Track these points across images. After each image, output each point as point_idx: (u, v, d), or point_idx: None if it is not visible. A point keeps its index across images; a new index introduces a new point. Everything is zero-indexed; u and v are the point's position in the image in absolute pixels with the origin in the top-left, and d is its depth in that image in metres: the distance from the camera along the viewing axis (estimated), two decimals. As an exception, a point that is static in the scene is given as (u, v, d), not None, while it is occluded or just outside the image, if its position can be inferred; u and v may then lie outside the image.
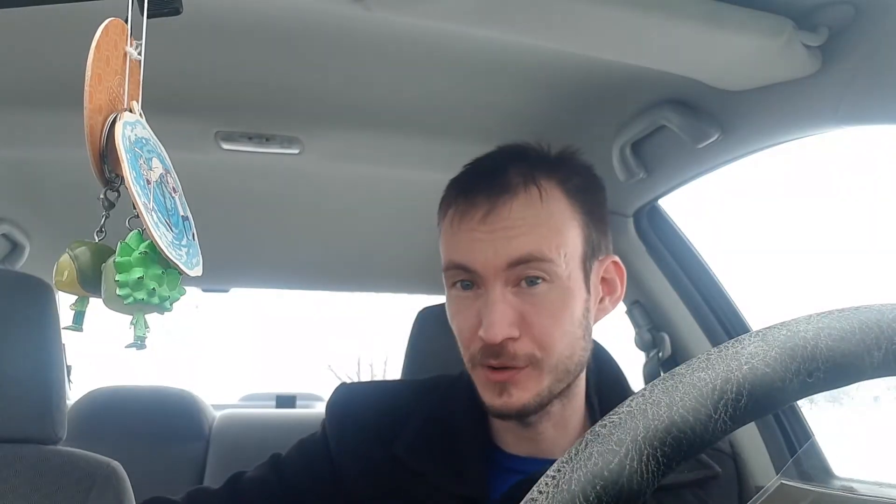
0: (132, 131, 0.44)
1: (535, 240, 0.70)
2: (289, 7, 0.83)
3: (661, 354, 1.26)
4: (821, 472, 0.33)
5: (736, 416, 0.28)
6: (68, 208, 1.36)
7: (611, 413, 0.30)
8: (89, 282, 0.45)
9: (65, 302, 1.05)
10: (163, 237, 0.43)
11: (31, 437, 0.87)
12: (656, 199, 1.18)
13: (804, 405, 1.13)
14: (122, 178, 0.42)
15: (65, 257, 0.45)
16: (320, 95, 1.06)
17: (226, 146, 1.16)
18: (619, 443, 0.28)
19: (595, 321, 0.77)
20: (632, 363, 1.25)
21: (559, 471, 0.29)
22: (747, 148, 0.95)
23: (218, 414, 1.84)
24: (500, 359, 0.70)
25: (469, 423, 0.78)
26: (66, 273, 0.45)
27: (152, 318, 0.44)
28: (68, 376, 1.85)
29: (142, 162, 0.44)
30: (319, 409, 2.38)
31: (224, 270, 1.75)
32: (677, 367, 0.31)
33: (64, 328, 0.47)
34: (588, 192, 0.76)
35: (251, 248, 1.66)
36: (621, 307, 1.28)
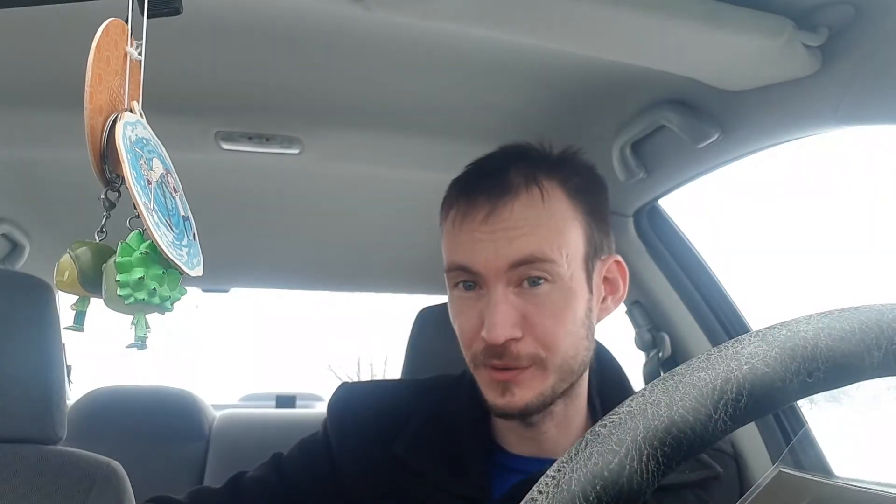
0: (133, 131, 0.44)
1: (537, 240, 0.70)
2: (289, 7, 0.83)
3: (661, 354, 1.26)
4: (817, 464, 0.33)
5: (736, 416, 0.28)
6: (69, 208, 1.36)
7: (611, 413, 0.30)
8: (90, 282, 0.45)
9: (65, 302, 1.05)
10: (163, 237, 0.43)
11: (31, 437, 0.87)
12: (656, 199, 1.18)
13: (804, 405, 1.13)
14: (123, 178, 0.42)
15: (66, 257, 0.45)
16: (320, 95, 1.06)
17: (226, 146, 1.16)
18: (619, 443, 0.28)
19: (598, 321, 0.77)
20: (632, 363, 1.24)
21: (559, 471, 0.29)
22: (747, 148, 0.95)
23: (218, 414, 1.84)
24: (503, 359, 0.70)
25: (470, 422, 0.78)
26: (66, 273, 0.45)
27: (153, 318, 0.44)
28: (68, 376, 1.85)
29: (142, 162, 0.44)
30: (319, 409, 2.38)
31: (224, 270, 1.75)
32: (677, 367, 0.31)
33: (65, 328, 0.48)
34: (590, 192, 0.76)
35: (251, 248, 1.66)
36: (621, 307, 1.28)
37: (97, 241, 0.46)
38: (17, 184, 1.32)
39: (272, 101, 1.08)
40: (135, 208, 0.42)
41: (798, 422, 1.12)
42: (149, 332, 0.43)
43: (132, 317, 0.43)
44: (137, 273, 0.41)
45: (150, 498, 0.79)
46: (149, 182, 0.44)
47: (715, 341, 1.18)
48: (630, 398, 0.30)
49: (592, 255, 0.74)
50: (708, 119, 0.94)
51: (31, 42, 0.89)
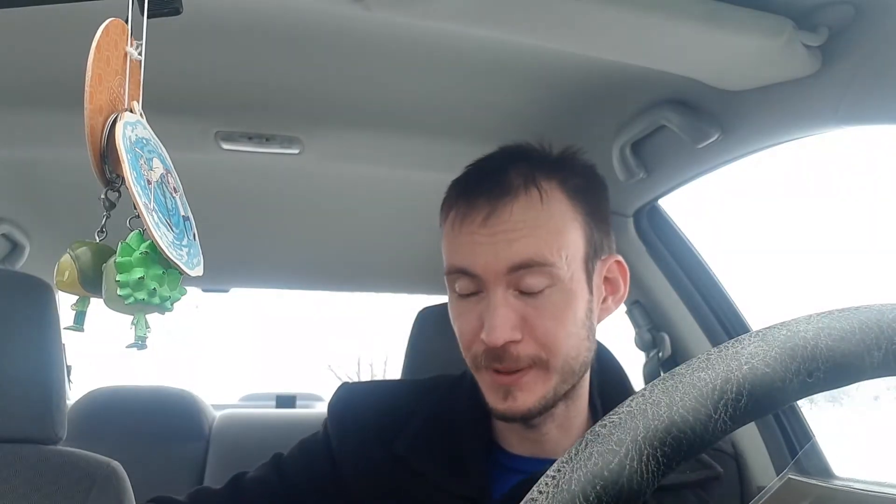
0: (133, 131, 0.44)
1: (536, 243, 0.69)
2: (289, 7, 0.83)
3: (661, 354, 1.26)
4: (822, 471, 0.33)
5: (736, 416, 0.28)
6: (69, 208, 1.36)
7: (611, 413, 0.30)
8: (90, 282, 0.45)
9: (65, 302, 1.05)
10: (163, 237, 0.43)
11: (31, 437, 0.87)
12: (656, 199, 1.18)
13: (804, 405, 1.13)
14: (123, 178, 0.42)
15: (66, 257, 0.45)
16: (320, 95, 1.06)
17: (226, 146, 1.16)
18: (619, 443, 0.28)
19: (598, 321, 0.77)
20: (632, 363, 1.24)
21: (559, 471, 0.29)
22: (747, 148, 0.95)
23: (218, 414, 1.84)
24: (503, 362, 0.70)
25: (471, 422, 0.78)
26: (67, 273, 0.45)
27: (153, 318, 0.44)
28: (68, 376, 1.85)
29: (142, 162, 0.44)
30: (319, 409, 2.38)
31: (224, 270, 1.75)
32: (677, 367, 0.31)
33: (65, 328, 0.48)
34: (589, 193, 0.75)
35: (251, 248, 1.66)
36: (622, 307, 1.28)
37: (97, 241, 0.46)
38: (17, 184, 1.32)
39: (272, 101, 1.08)
40: (135, 208, 0.42)
41: (798, 422, 1.12)
42: (149, 332, 0.43)
43: (132, 317, 0.43)
44: (137, 273, 0.41)
45: (151, 498, 0.79)
46: (149, 182, 0.44)
47: (715, 341, 1.18)
48: (630, 398, 0.30)
49: (592, 255, 0.74)
50: (708, 119, 0.94)
51: (31, 42, 0.89)
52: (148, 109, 0.47)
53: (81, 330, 0.47)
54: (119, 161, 0.42)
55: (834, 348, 0.30)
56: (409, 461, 0.77)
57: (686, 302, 1.21)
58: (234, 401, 3.43)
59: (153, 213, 0.43)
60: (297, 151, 1.19)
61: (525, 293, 0.70)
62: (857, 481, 0.34)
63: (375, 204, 1.48)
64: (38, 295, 0.90)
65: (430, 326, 1.13)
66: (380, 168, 1.30)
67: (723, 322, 1.18)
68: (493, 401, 0.72)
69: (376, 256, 1.73)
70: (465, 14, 0.71)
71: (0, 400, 0.85)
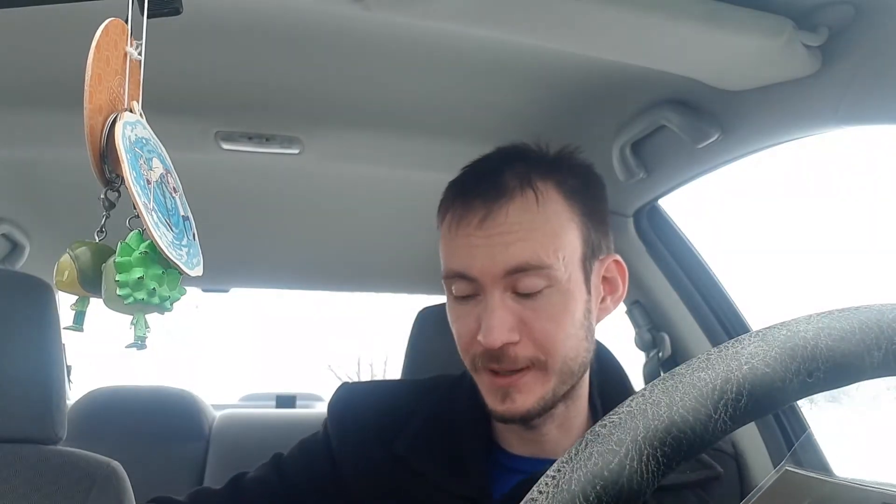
0: (132, 131, 0.44)
1: (532, 246, 0.69)
2: (289, 7, 0.83)
3: (661, 354, 1.26)
4: (819, 466, 0.33)
5: (736, 416, 0.28)
6: (68, 208, 1.36)
7: (611, 413, 0.30)
8: (90, 282, 0.45)
9: (65, 302, 1.05)
10: (163, 237, 0.43)
11: (31, 437, 0.87)
12: (656, 199, 1.18)
13: (804, 405, 1.13)
14: (123, 178, 0.42)
15: (65, 257, 0.45)
16: (320, 95, 1.06)
17: (226, 146, 1.16)
18: (619, 443, 0.28)
19: (597, 321, 0.77)
20: (632, 363, 1.25)
21: (559, 471, 0.29)
22: (747, 148, 0.95)
23: (218, 414, 1.84)
24: (501, 363, 0.70)
25: (471, 422, 0.78)
26: (66, 273, 0.45)
27: (152, 318, 0.44)
28: (68, 376, 1.85)
29: (142, 162, 0.44)
30: (319, 409, 2.38)
31: (224, 270, 1.75)
32: (677, 367, 0.31)
33: (64, 328, 0.47)
34: (586, 193, 0.75)
35: (251, 248, 1.66)
36: (621, 307, 1.28)
37: (97, 240, 0.46)
38: (17, 184, 1.32)
39: (272, 101, 1.08)
40: (134, 208, 0.42)
41: (798, 422, 1.12)
42: (148, 331, 0.43)
43: (132, 317, 0.43)
44: (137, 273, 0.41)
45: (152, 498, 0.79)
46: (148, 182, 0.44)
47: (715, 341, 1.18)
48: (630, 398, 0.30)
49: (590, 255, 0.74)
50: (708, 119, 0.94)
51: (31, 42, 0.89)
52: (148, 109, 0.47)
53: (81, 330, 0.47)
54: (119, 161, 0.42)
55: (834, 348, 0.30)
56: (409, 461, 0.77)
57: (686, 302, 1.21)
58: (234, 401, 3.43)
59: (153, 213, 0.43)
60: (297, 151, 1.19)
61: (522, 295, 0.70)
62: (857, 481, 0.34)
63: (375, 204, 1.48)
64: (38, 295, 0.90)
65: (430, 326, 1.13)
66: (380, 168, 1.30)
67: (723, 322, 1.18)
68: (492, 402, 0.72)
69: (376, 256, 1.73)
70: (465, 14, 0.71)
71: (0, 400, 0.85)
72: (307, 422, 1.76)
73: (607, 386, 0.81)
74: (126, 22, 0.45)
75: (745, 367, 0.29)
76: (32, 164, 1.27)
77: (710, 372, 0.29)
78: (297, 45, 0.91)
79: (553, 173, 0.73)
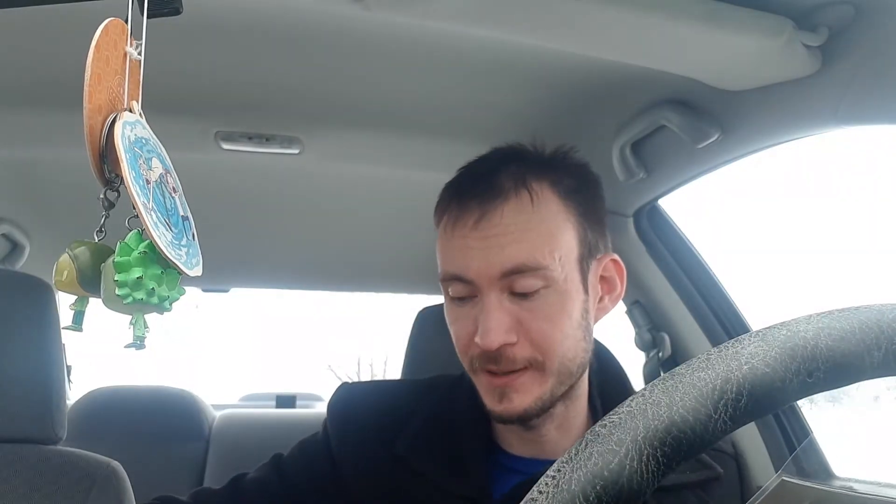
0: (132, 131, 0.44)
1: (528, 247, 0.69)
2: (289, 7, 0.83)
3: (661, 354, 1.26)
4: (820, 470, 0.33)
5: (736, 416, 0.28)
6: (68, 208, 1.36)
7: (611, 413, 0.30)
8: (89, 282, 0.45)
9: (65, 302, 1.05)
10: (162, 237, 0.43)
11: (31, 437, 0.87)
12: (656, 199, 1.18)
13: (804, 405, 1.13)
14: (122, 177, 0.42)
15: (64, 257, 0.45)
16: (320, 95, 1.06)
17: (226, 146, 1.16)
18: (619, 443, 0.28)
19: (595, 321, 0.77)
20: (632, 363, 1.25)
21: (559, 471, 0.29)
22: (747, 148, 0.95)
23: (218, 414, 1.84)
24: (499, 364, 0.70)
25: (471, 422, 0.78)
26: (65, 273, 0.45)
27: (152, 317, 0.44)
28: (68, 376, 1.85)
29: (141, 162, 0.44)
30: (319, 409, 2.38)
31: (224, 270, 1.75)
32: (677, 367, 0.30)
33: (64, 328, 0.47)
34: (582, 192, 0.75)
35: (251, 248, 1.66)
36: (621, 307, 1.28)
37: (96, 240, 0.46)
38: (17, 184, 1.32)
39: (272, 101, 1.08)
40: (133, 208, 0.42)
41: (798, 422, 1.12)
42: (147, 331, 0.43)
43: (131, 316, 0.43)
44: (136, 273, 0.41)
45: (155, 497, 0.79)
46: (148, 182, 0.44)
47: (715, 341, 1.18)
48: (630, 398, 0.30)
49: (587, 255, 0.74)
50: (708, 119, 0.94)
51: (31, 42, 0.89)
52: (148, 109, 0.47)
53: (80, 330, 0.47)
54: (118, 161, 0.42)
55: (834, 348, 0.30)
56: (409, 461, 0.77)
57: (686, 302, 1.21)
58: (234, 401, 3.43)
59: (152, 213, 0.43)
60: (297, 151, 1.19)
61: (519, 295, 0.70)
62: (857, 481, 0.34)
63: (375, 204, 1.48)
64: (38, 295, 0.90)
65: (429, 326, 1.13)
66: (380, 168, 1.30)
67: (723, 322, 1.18)
68: (490, 403, 0.72)
69: (376, 256, 1.73)
70: (465, 14, 0.71)
71: (0, 400, 0.85)
72: (307, 422, 1.76)
73: (607, 386, 0.81)
74: (126, 22, 0.45)
75: (745, 367, 0.29)
76: (32, 164, 1.27)
77: (710, 372, 0.29)
78: (297, 45, 0.91)
79: (548, 173, 0.73)
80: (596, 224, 0.75)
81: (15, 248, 1.46)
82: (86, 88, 0.42)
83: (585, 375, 0.77)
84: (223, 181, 1.34)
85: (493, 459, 0.77)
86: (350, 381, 0.92)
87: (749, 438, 1.12)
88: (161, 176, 0.47)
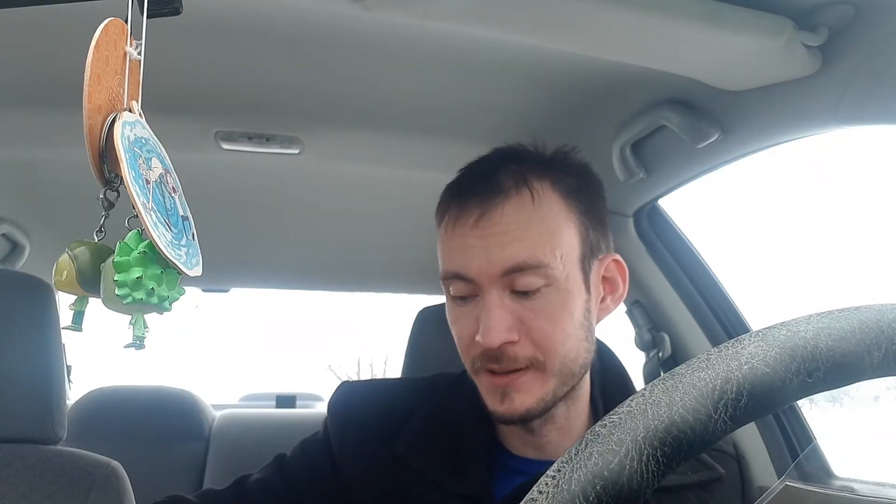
0: (131, 131, 0.44)
1: (529, 246, 0.69)
2: (289, 7, 0.82)
3: (661, 354, 1.26)
4: (822, 473, 0.33)
5: (736, 416, 0.28)
6: (68, 208, 1.36)
7: (611, 413, 0.30)
8: (88, 282, 0.45)
9: (65, 302, 1.05)
10: (162, 237, 0.42)
11: (31, 437, 0.87)
12: (656, 199, 1.18)
13: (804, 405, 1.13)
14: (122, 177, 0.42)
15: (64, 257, 0.45)
16: (320, 95, 1.06)
17: (226, 146, 1.16)
18: (619, 443, 0.28)
19: (598, 321, 0.77)
20: (632, 363, 1.25)
21: (559, 471, 0.29)
22: (747, 148, 0.95)
23: (218, 414, 1.84)
24: (501, 363, 0.70)
25: (472, 422, 0.78)
26: (65, 273, 0.45)
27: (152, 317, 0.44)
28: (68, 376, 1.85)
29: (141, 162, 0.44)
30: (319, 409, 2.38)
31: (224, 270, 1.75)
32: (677, 367, 0.30)
33: (64, 328, 0.47)
34: (583, 192, 0.75)
35: (251, 248, 1.66)
36: (621, 307, 1.28)
37: (96, 240, 0.46)
38: (17, 184, 1.32)
39: (272, 101, 1.08)
40: (133, 208, 0.42)
41: (798, 422, 1.12)
42: (147, 331, 0.43)
43: (130, 316, 0.43)
44: (135, 273, 0.41)
45: (167, 497, 0.79)
46: (147, 182, 0.44)
47: (715, 341, 1.18)
48: (630, 398, 0.30)
49: (589, 255, 0.73)
50: (708, 119, 0.94)
51: (31, 42, 0.89)
52: (148, 109, 0.47)
53: (80, 330, 0.47)
54: (118, 161, 0.42)
55: (834, 348, 0.30)
56: (410, 460, 0.77)
57: (686, 302, 1.21)
58: (234, 401, 3.43)
59: (151, 213, 0.43)
60: (297, 151, 1.19)
61: (520, 294, 0.70)
62: (857, 481, 0.34)
63: (375, 204, 1.48)
64: (38, 295, 0.90)
65: (429, 326, 1.13)
66: (380, 168, 1.30)
67: (723, 322, 1.18)
68: (492, 403, 0.72)
69: (376, 256, 1.73)
70: (465, 14, 0.71)
71: (0, 400, 0.85)
72: (307, 422, 1.76)
73: (609, 386, 0.80)
74: (126, 22, 0.45)
75: (745, 367, 0.29)
76: (32, 164, 1.27)
77: (710, 372, 0.29)
78: (297, 45, 0.91)
79: (549, 172, 0.73)
80: (598, 224, 0.75)
81: (15, 248, 1.46)
82: (85, 88, 0.42)
83: (587, 376, 0.77)
84: (223, 181, 1.34)
85: (497, 460, 0.77)
86: (350, 380, 0.92)
87: (749, 439, 1.12)
88: (161, 176, 0.47)
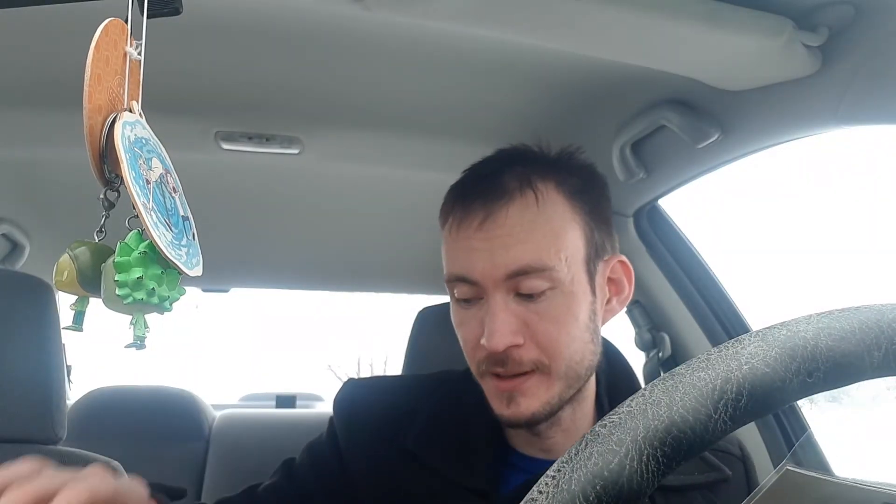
0: (132, 131, 0.44)
1: (533, 248, 0.69)
2: (289, 7, 0.83)
3: (661, 354, 1.26)
4: (818, 465, 0.33)
5: (736, 416, 0.28)
6: (68, 208, 1.36)
7: (611, 413, 0.30)
8: (89, 282, 0.45)
9: (65, 302, 1.05)
10: (162, 237, 0.43)
11: (31, 437, 0.87)
12: (656, 199, 1.18)
13: (804, 405, 1.13)
14: (122, 178, 0.42)
15: (65, 257, 0.45)
16: (320, 95, 1.06)
17: (226, 146, 1.16)
18: (619, 443, 0.28)
19: (603, 323, 0.76)
20: (632, 363, 1.25)
21: (559, 471, 0.29)
22: (747, 148, 0.95)
23: (218, 414, 1.84)
24: (506, 367, 0.69)
25: (479, 419, 0.78)
26: (66, 273, 0.45)
27: (152, 318, 0.44)
28: (68, 376, 1.85)
29: (141, 162, 0.44)
30: (319, 409, 2.38)
31: (224, 270, 1.75)
32: (677, 367, 0.30)
33: (64, 328, 0.48)
34: (588, 192, 0.74)
35: (251, 248, 1.66)
36: (621, 307, 1.28)
37: (96, 240, 0.46)
38: (17, 184, 1.32)
39: (272, 101, 1.08)
40: (134, 208, 0.42)
41: (798, 422, 1.12)
42: (147, 331, 0.43)
43: (131, 316, 0.43)
44: (136, 273, 0.41)
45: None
46: (148, 182, 0.44)
47: (715, 341, 1.18)
48: (630, 398, 0.30)
49: (594, 256, 0.73)
50: (708, 119, 0.94)
51: (31, 42, 0.89)
52: (148, 109, 0.47)
53: (80, 330, 0.47)
54: (118, 161, 0.42)
55: (834, 348, 0.30)
56: (418, 454, 0.76)
57: (686, 302, 1.21)
58: (234, 401, 3.43)
59: (152, 213, 0.43)
60: (297, 151, 1.19)
61: (525, 297, 0.69)
62: (855, 481, 0.33)
63: (375, 204, 1.48)
64: (38, 295, 0.90)
65: (430, 326, 1.13)
66: (380, 168, 1.30)
67: (723, 322, 1.18)
68: (498, 407, 0.72)
69: (376, 256, 1.73)
70: (465, 14, 0.71)
71: (0, 400, 0.85)
72: (307, 422, 1.76)
73: (615, 386, 0.79)
74: (126, 22, 0.45)
75: (745, 367, 0.29)
76: (32, 164, 1.27)
77: (710, 372, 0.29)
78: (297, 45, 0.91)
79: (553, 174, 0.73)
80: (603, 224, 0.75)
81: (15, 248, 1.46)
82: (86, 88, 0.42)
83: (593, 378, 0.76)
84: (223, 181, 1.34)
85: (503, 457, 0.77)
86: (355, 378, 0.91)
87: (749, 438, 1.12)
88: (161, 176, 0.47)
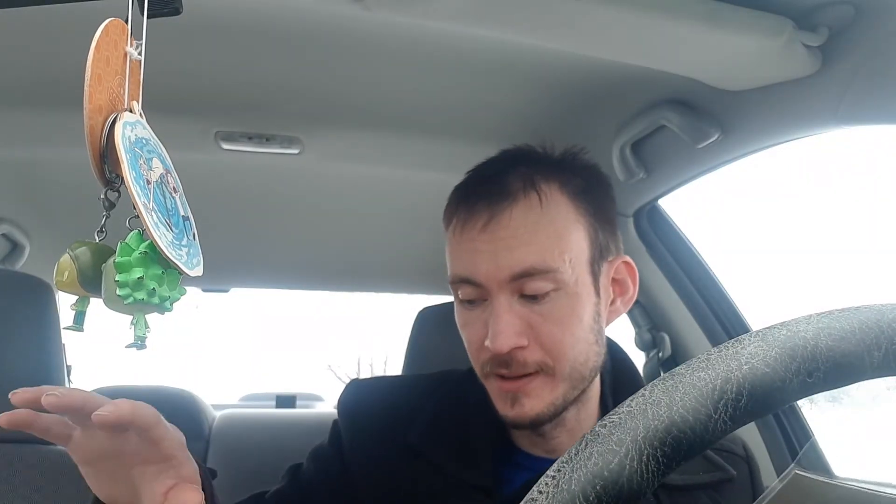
0: (132, 131, 0.44)
1: (537, 249, 0.68)
2: (289, 7, 0.83)
3: (661, 354, 1.26)
4: (823, 471, 0.33)
5: (736, 416, 0.28)
6: (68, 208, 1.36)
7: (611, 413, 0.30)
8: (90, 282, 0.45)
9: (65, 302, 1.05)
10: (163, 237, 0.43)
11: (31, 437, 0.87)
12: (656, 199, 1.18)
13: (804, 405, 1.13)
14: (123, 178, 0.42)
15: (65, 257, 0.45)
16: (320, 95, 1.06)
17: (226, 146, 1.16)
18: (619, 443, 0.28)
19: (607, 323, 0.76)
20: (632, 363, 1.25)
21: (559, 471, 0.29)
22: (747, 148, 0.95)
23: (218, 414, 1.83)
24: (510, 368, 0.69)
25: (482, 417, 0.78)
26: (66, 273, 0.45)
27: (152, 318, 0.44)
28: (68, 376, 1.85)
29: (142, 162, 0.44)
30: (319, 409, 2.38)
31: (224, 270, 1.75)
32: (677, 367, 0.31)
33: (64, 328, 0.48)
34: (592, 193, 0.74)
35: (251, 248, 1.66)
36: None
37: (97, 240, 0.46)
38: (17, 184, 1.32)
39: (272, 101, 1.08)
40: (134, 208, 0.42)
41: (798, 422, 1.12)
42: (148, 331, 0.43)
43: (131, 317, 0.43)
44: (137, 273, 0.41)
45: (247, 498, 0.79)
46: (148, 182, 0.44)
47: (715, 341, 1.18)
48: (630, 398, 0.30)
49: (598, 257, 0.73)
50: (708, 119, 0.94)
51: (31, 42, 0.89)
52: (148, 109, 0.47)
53: (81, 330, 0.47)
54: (118, 161, 0.42)
55: (834, 348, 0.30)
56: (423, 452, 0.76)
57: (686, 302, 1.21)
58: (234, 401, 3.43)
59: (152, 213, 0.43)
60: (297, 151, 1.19)
61: (529, 298, 0.69)
62: (855, 481, 0.34)
63: (375, 204, 1.48)
64: (38, 295, 0.90)
65: (430, 326, 1.13)
66: (380, 168, 1.30)
67: (723, 322, 1.18)
68: (502, 408, 0.72)
69: (376, 256, 1.73)
70: (466, 14, 0.71)
71: (0, 400, 0.85)
72: (307, 422, 1.75)
73: (620, 385, 0.79)
74: (126, 22, 0.45)
75: (745, 367, 0.29)
76: (32, 164, 1.27)
77: (710, 372, 0.29)
78: (297, 45, 0.91)
79: (557, 174, 0.73)
80: (607, 225, 0.75)
81: (15, 248, 1.46)
82: (86, 88, 0.42)
83: (597, 379, 0.76)
84: (223, 181, 1.34)
85: (508, 457, 0.77)
86: (359, 378, 0.91)
87: (749, 439, 1.12)
88: (161, 176, 0.47)
